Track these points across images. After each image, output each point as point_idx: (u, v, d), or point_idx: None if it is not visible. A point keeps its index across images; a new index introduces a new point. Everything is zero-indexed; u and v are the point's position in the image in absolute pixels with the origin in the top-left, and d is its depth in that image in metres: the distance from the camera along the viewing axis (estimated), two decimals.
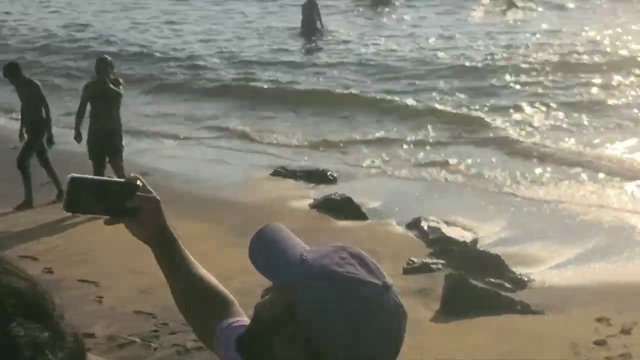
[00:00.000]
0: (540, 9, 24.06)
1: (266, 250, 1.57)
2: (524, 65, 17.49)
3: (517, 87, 16.17)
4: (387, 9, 25.71)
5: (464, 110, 14.95)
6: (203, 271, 2.03)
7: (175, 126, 15.31)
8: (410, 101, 15.58)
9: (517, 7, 24.25)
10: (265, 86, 17.40)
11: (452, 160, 12.90)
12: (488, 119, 14.38)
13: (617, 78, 16.17)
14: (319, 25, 22.56)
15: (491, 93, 15.82)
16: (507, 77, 16.76)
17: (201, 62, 19.78)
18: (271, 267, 1.55)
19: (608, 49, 18.00)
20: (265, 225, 1.62)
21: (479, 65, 17.67)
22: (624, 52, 17.53)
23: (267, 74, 18.54)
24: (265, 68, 19.19)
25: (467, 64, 17.84)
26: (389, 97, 15.84)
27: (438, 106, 15.15)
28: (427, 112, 14.87)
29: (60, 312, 0.99)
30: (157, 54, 20.67)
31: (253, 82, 17.77)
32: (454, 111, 14.79)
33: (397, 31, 22.65)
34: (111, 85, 10.68)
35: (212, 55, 20.49)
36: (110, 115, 10.77)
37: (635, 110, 14.50)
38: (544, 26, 21.37)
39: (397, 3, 26.42)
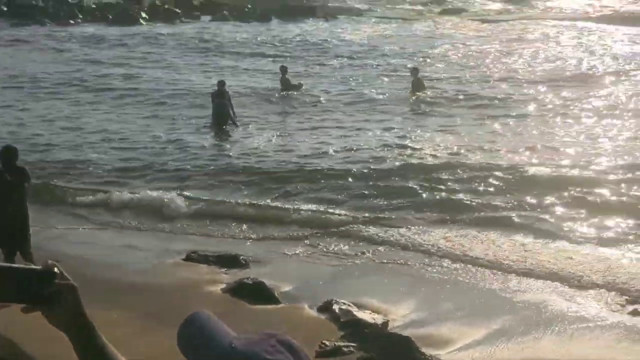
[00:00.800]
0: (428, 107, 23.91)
1: (194, 339, 1.56)
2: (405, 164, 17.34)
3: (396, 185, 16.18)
4: (295, 94, 25.57)
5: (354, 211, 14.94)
6: (121, 358, 2.00)
7: (76, 218, 14.99)
8: (294, 205, 15.26)
9: (424, 89, 24.66)
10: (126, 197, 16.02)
11: (357, 249, 13.06)
12: (383, 215, 14.53)
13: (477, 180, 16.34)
14: (232, 113, 21.77)
15: (390, 193, 15.74)
16: (392, 177, 16.61)
17: (80, 165, 18.40)
18: (200, 356, 1.53)
19: (468, 155, 18.15)
20: (192, 313, 1.62)
21: (378, 166, 17.40)
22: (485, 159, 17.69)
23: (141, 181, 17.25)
24: (147, 173, 17.84)
25: (357, 166, 17.42)
26: (275, 203, 15.41)
27: (321, 208, 15.02)
28: (312, 217, 14.68)
29: None
30: (41, 150, 19.48)
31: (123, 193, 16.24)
32: (347, 213, 14.79)
33: (302, 120, 22.31)
34: (7, 177, 10.57)
35: (98, 154, 19.26)
36: (16, 204, 10.67)
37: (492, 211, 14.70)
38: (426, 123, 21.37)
39: (305, 87, 26.11)
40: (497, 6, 44.58)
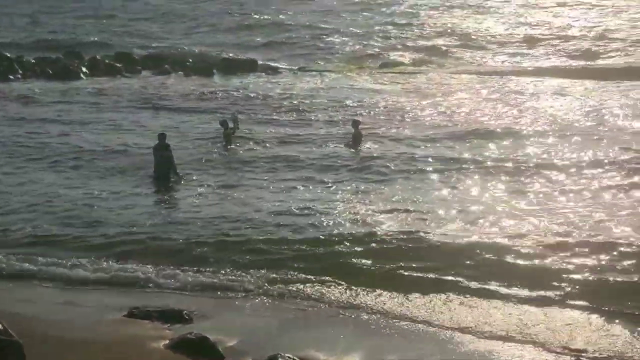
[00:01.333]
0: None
1: None
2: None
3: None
4: (241, 150, 25.31)
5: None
6: None
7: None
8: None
9: (361, 142, 24.77)
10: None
11: (298, 304, 13.12)
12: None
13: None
14: (174, 165, 21.35)
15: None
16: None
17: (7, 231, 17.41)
18: None
19: (398, 217, 17.90)
20: None
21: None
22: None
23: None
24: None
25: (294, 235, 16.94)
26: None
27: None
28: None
29: None
30: None
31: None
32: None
33: (240, 179, 21.70)
34: None
35: (30, 218, 18.31)
36: None
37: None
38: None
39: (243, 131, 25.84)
40: (433, 59, 45.15)
